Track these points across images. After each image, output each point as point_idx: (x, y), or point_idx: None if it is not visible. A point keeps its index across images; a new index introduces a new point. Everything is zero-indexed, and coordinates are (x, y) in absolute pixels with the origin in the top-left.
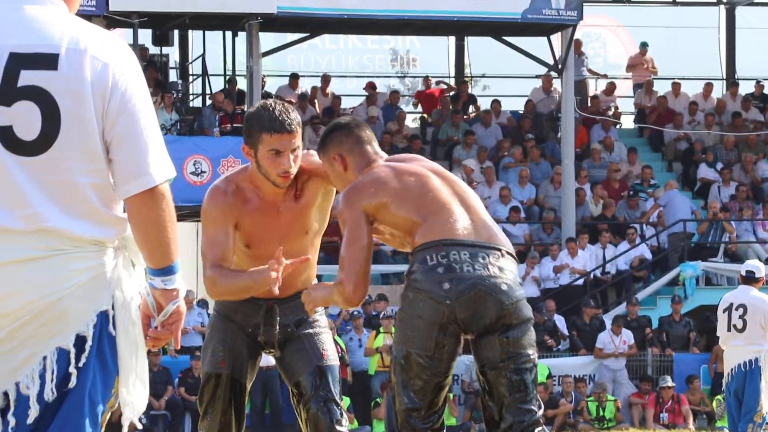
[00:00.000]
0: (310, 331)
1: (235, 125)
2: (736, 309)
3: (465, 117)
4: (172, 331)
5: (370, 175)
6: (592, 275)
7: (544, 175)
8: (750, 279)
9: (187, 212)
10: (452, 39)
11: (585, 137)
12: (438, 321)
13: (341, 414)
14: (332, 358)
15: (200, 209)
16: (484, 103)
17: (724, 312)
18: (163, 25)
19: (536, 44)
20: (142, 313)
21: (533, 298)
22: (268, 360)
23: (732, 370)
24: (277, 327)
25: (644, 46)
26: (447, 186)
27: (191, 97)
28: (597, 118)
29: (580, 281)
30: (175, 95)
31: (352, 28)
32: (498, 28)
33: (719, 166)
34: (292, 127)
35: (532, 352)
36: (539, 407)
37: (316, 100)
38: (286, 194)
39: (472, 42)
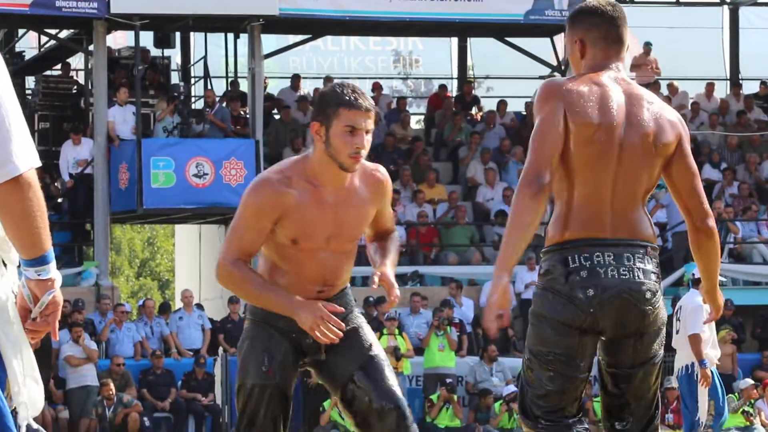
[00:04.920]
0: (350, 326)
1: (238, 128)
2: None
3: (469, 118)
4: (49, 323)
5: (582, 81)
6: None
7: None
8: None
9: (190, 215)
10: (455, 40)
11: None
12: (578, 326)
13: (407, 406)
14: (379, 348)
15: (203, 212)
16: (488, 104)
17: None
18: (164, 27)
19: (539, 45)
20: (20, 307)
21: None
22: None
23: (679, 371)
24: None
25: (648, 45)
26: (617, 150)
27: (193, 99)
28: None
29: None
30: (177, 97)
31: (354, 30)
32: (500, 29)
33: (723, 166)
34: (369, 106)
35: (661, 352)
36: (657, 408)
37: None
38: (344, 190)
39: (474, 43)
